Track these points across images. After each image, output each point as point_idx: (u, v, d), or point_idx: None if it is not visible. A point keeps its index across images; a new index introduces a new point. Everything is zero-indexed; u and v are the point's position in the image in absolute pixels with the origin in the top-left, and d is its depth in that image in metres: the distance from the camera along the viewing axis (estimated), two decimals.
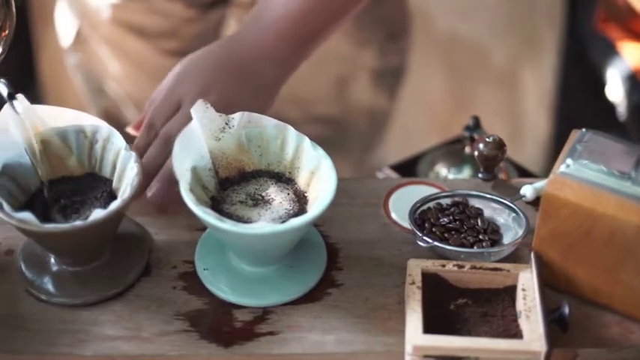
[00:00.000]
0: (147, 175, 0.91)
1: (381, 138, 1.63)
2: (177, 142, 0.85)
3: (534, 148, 1.86)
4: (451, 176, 1.11)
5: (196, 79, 0.96)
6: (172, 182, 0.90)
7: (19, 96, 0.89)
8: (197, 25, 1.42)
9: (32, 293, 0.88)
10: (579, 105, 1.89)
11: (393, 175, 1.11)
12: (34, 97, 1.91)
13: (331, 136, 1.47)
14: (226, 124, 0.89)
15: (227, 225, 0.81)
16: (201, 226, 0.94)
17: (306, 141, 0.88)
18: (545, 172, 1.47)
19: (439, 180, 1.01)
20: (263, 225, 0.81)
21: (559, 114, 1.89)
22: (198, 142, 0.87)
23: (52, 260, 0.90)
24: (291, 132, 0.89)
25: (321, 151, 0.88)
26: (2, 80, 0.85)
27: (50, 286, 0.88)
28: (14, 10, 0.91)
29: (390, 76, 1.53)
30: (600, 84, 1.79)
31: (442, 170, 1.13)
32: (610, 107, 1.78)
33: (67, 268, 0.89)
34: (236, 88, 0.92)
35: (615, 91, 1.76)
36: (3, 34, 0.90)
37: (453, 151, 1.13)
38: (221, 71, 0.96)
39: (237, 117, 0.89)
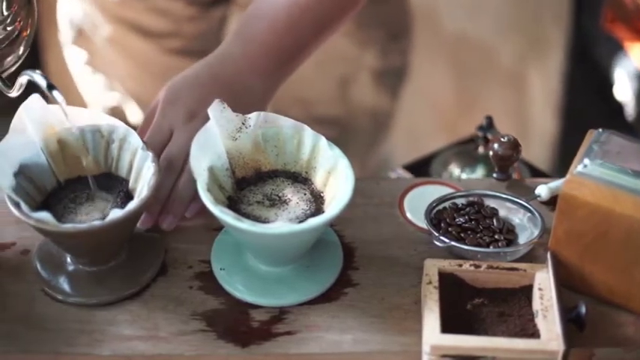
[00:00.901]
0: (157, 202, 0.91)
1: (384, 138, 1.63)
2: (194, 142, 0.85)
3: (541, 147, 1.86)
4: (464, 176, 1.11)
5: (184, 103, 0.95)
6: (183, 208, 0.92)
7: (35, 95, 0.89)
8: (199, 24, 1.41)
9: (48, 293, 0.88)
10: (586, 105, 1.89)
11: (406, 175, 1.11)
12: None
13: (334, 137, 1.46)
14: (243, 124, 0.89)
15: (245, 225, 0.81)
16: (217, 226, 0.94)
17: (323, 141, 0.88)
18: (552, 172, 1.48)
19: (453, 180, 1.01)
20: (281, 225, 0.81)
21: (566, 114, 1.89)
22: (215, 142, 0.88)
23: (68, 260, 0.90)
24: (308, 132, 0.89)
25: (337, 151, 0.88)
26: (39, 72, 0.85)
27: (66, 286, 0.88)
28: (36, 9, 0.91)
29: (392, 76, 1.52)
30: (607, 84, 1.79)
31: (455, 170, 1.13)
32: (617, 107, 1.78)
33: (84, 267, 0.89)
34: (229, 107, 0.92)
35: (623, 91, 1.76)
36: (24, 33, 0.90)
37: (465, 151, 1.13)
38: (208, 91, 0.95)
39: (253, 117, 0.89)
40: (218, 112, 0.88)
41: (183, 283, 0.89)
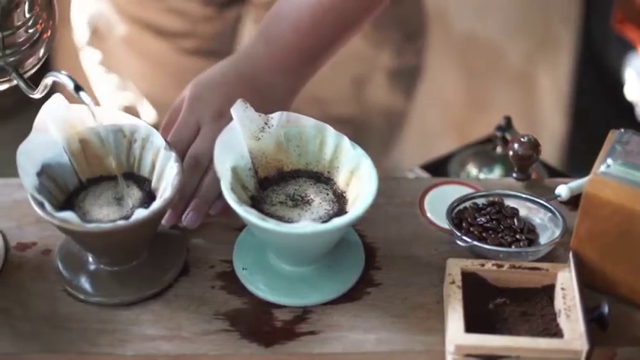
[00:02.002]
0: (182, 200, 0.92)
1: (398, 138, 1.63)
2: (217, 142, 0.86)
3: (550, 147, 1.86)
4: (482, 176, 1.11)
5: (212, 100, 0.96)
6: (207, 207, 0.92)
7: (58, 95, 0.89)
8: (214, 24, 1.42)
9: (70, 293, 0.88)
10: (595, 105, 1.89)
11: (424, 175, 1.11)
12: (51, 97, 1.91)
13: (348, 136, 1.47)
14: (265, 123, 0.89)
15: (270, 224, 0.81)
16: (238, 226, 0.94)
17: (345, 140, 0.89)
18: (563, 172, 1.47)
19: (471, 180, 1.02)
20: (306, 224, 0.81)
21: (575, 114, 1.89)
22: (238, 142, 0.88)
23: (90, 259, 0.90)
24: (330, 132, 0.89)
25: (360, 151, 0.88)
26: (64, 72, 0.85)
27: (88, 286, 0.88)
28: (56, 11, 0.91)
29: (407, 76, 1.53)
30: (617, 84, 1.79)
31: (472, 170, 1.13)
32: (627, 108, 1.78)
33: (105, 267, 0.89)
34: (251, 105, 0.92)
35: (633, 91, 1.76)
36: (45, 35, 0.89)
37: (483, 151, 1.13)
38: (234, 90, 0.95)
39: (276, 117, 0.89)
40: (241, 112, 0.88)
41: (206, 282, 0.89)
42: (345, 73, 1.45)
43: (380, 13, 1.05)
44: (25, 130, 0.93)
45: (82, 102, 0.84)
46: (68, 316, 0.86)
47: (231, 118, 0.88)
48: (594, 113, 1.90)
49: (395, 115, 1.58)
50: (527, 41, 1.85)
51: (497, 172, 1.11)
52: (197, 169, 0.92)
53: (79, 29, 1.50)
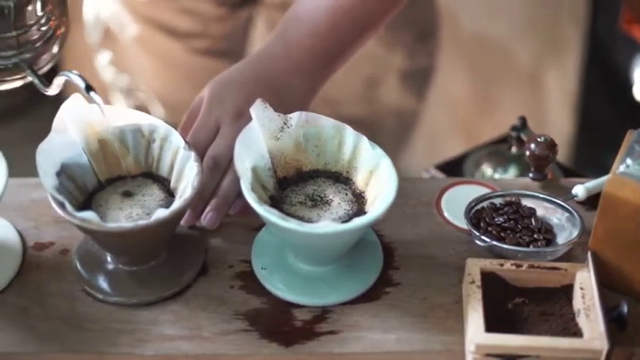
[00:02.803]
0: (201, 200, 0.92)
1: (409, 139, 1.63)
2: (237, 141, 0.86)
3: (558, 147, 1.85)
4: (497, 176, 1.11)
5: (231, 100, 0.96)
6: (227, 207, 0.92)
7: (77, 95, 0.89)
8: (226, 24, 1.42)
9: (89, 293, 0.88)
10: (603, 106, 1.90)
11: (439, 174, 1.11)
12: (61, 99, 1.91)
13: None
14: (284, 123, 0.89)
15: (291, 224, 0.81)
16: (256, 226, 0.94)
17: (364, 140, 0.89)
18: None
19: (487, 180, 1.02)
20: (327, 224, 0.82)
21: (583, 115, 1.89)
22: (258, 142, 0.88)
23: (109, 259, 0.90)
24: (349, 132, 0.89)
25: (379, 151, 0.88)
26: (76, 72, 0.85)
27: (107, 286, 0.88)
28: (68, 8, 0.91)
29: (419, 77, 1.53)
30: (625, 85, 1.79)
31: (487, 170, 1.13)
32: (635, 108, 1.78)
33: (124, 267, 0.89)
34: (272, 106, 0.92)
35: None
36: (58, 32, 0.90)
37: (498, 151, 1.13)
38: (253, 90, 0.95)
39: (295, 117, 0.89)
40: (260, 112, 0.88)
41: (225, 282, 0.89)
42: (358, 73, 1.46)
43: (397, 14, 1.06)
44: (35, 128, 0.93)
45: (92, 102, 0.84)
46: (87, 316, 0.86)
47: (250, 118, 0.88)
48: (602, 113, 1.90)
49: (406, 115, 1.58)
50: (536, 42, 1.85)
51: (511, 173, 1.11)
52: (216, 170, 0.92)
53: (91, 29, 1.50)
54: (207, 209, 0.92)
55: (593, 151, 1.83)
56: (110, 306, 0.87)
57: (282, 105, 0.90)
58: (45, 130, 0.97)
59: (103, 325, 0.86)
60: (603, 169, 1.75)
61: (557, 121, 1.87)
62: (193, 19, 1.39)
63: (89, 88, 0.84)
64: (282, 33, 1.01)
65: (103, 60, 1.51)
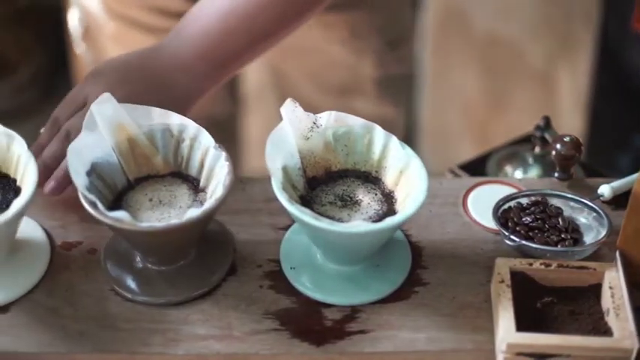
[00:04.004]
0: (46, 169, 0.92)
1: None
2: (268, 141, 0.86)
3: None
4: (519, 176, 1.11)
5: (104, 81, 0.96)
6: (67, 179, 0.90)
7: (107, 95, 0.89)
8: None
9: (119, 292, 0.88)
10: (614, 105, 1.90)
11: (462, 174, 1.12)
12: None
13: None
14: (314, 123, 0.89)
15: (324, 224, 0.81)
16: (284, 225, 0.94)
17: (394, 140, 0.89)
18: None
19: (512, 180, 1.02)
20: (359, 224, 0.82)
21: (594, 114, 1.89)
22: (288, 141, 0.88)
23: (137, 259, 0.90)
24: (378, 131, 0.89)
25: (409, 150, 0.88)
26: None
27: (137, 286, 0.88)
28: None
29: (394, 85, 1.51)
30: (637, 84, 1.80)
31: (510, 170, 1.13)
32: None
33: (152, 267, 0.89)
34: (145, 94, 0.92)
35: None
36: None
37: (520, 150, 1.13)
38: (131, 75, 0.96)
39: (324, 116, 0.90)
40: (290, 111, 0.88)
41: (254, 282, 0.89)
42: (329, 82, 1.45)
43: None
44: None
45: None
46: (118, 316, 0.86)
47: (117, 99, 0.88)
48: (613, 113, 1.90)
49: (385, 124, 1.57)
50: (548, 41, 1.86)
51: (534, 173, 1.11)
52: (66, 142, 0.91)
53: (74, 29, 1.51)
54: (49, 179, 0.92)
55: (605, 151, 1.84)
56: (140, 306, 0.87)
57: (160, 96, 0.91)
58: None
59: (134, 325, 0.86)
60: (615, 168, 1.76)
61: (569, 120, 1.87)
62: (162, 16, 1.38)
63: None
64: (178, 30, 1.02)
65: (86, 58, 1.52)
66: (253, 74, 1.70)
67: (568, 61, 1.87)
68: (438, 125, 1.96)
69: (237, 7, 1.00)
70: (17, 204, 0.83)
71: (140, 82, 0.92)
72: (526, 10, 1.85)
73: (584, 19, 1.84)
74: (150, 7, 1.37)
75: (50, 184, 0.92)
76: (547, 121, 1.07)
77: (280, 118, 1.60)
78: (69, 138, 0.92)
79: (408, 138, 1.74)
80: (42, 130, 0.99)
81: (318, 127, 0.89)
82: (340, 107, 0.92)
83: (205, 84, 1.02)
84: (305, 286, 0.88)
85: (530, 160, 1.12)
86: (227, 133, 1.61)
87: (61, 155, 0.92)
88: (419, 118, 1.98)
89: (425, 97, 1.96)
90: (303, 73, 1.46)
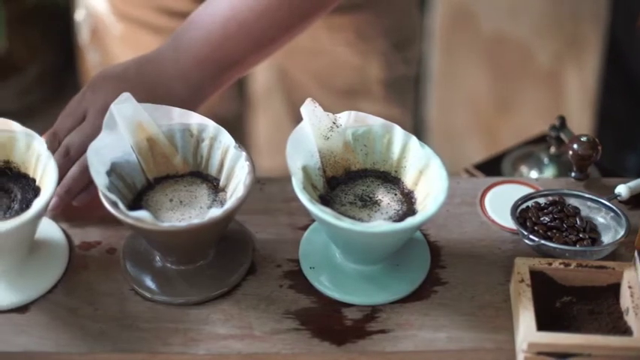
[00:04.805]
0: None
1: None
2: (289, 140, 0.86)
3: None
4: (534, 175, 1.12)
5: (102, 92, 0.95)
6: (69, 195, 0.92)
7: (127, 94, 0.89)
8: None
9: (139, 292, 0.88)
10: (622, 105, 1.90)
11: (478, 174, 1.12)
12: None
13: None
14: (334, 123, 0.89)
15: (346, 224, 0.81)
16: (302, 225, 0.94)
17: (414, 140, 0.89)
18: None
19: (529, 180, 1.02)
20: (381, 223, 0.82)
21: (602, 114, 1.90)
22: (308, 141, 0.88)
23: (157, 258, 0.90)
24: (398, 131, 0.89)
25: (429, 150, 0.88)
26: None
27: (156, 285, 0.88)
28: None
29: (401, 86, 1.51)
30: None
31: (525, 170, 1.13)
32: None
33: (171, 266, 0.89)
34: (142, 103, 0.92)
35: None
36: None
37: (535, 150, 1.13)
38: (129, 85, 0.94)
39: (343, 116, 0.90)
40: (310, 111, 0.88)
41: (274, 281, 0.90)
42: (335, 83, 1.45)
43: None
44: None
45: None
46: (138, 316, 0.86)
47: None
48: (621, 112, 1.90)
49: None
50: (556, 41, 1.86)
51: (550, 172, 1.11)
52: (67, 159, 0.92)
53: (80, 30, 1.50)
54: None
55: (613, 150, 1.84)
56: (160, 305, 0.87)
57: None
58: None
59: (155, 324, 0.86)
60: (622, 168, 1.76)
61: (577, 119, 1.87)
62: (170, 16, 1.38)
63: None
64: (177, 37, 1.01)
65: (93, 59, 1.51)
66: (260, 75, 1.70)
67: (576, 61, 1.87)
68: (445, 125, 1.96)
69: (238, 13, 0.99)
70: (37, 204, 0.83)
71: (139, 92, 0.90)
72: (534, 10, 1.85)
73: (592, 19, 1.84)
74: (157, 8, 1.37)
75: (53, 200, 0.91)
76: (562, 121, 1.07)
77: (287, 119, 1.60)
78: (69, 154, 0.92)
79: None
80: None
81: (337, 126, 0.89)
82: (346, 109, 0.92)
83: (204, 93, 1.01)
84: (324, 285, 0.88)
85: (546, 160, 1.12)
86: (234, 132, 1.59)
87: (62, 171, 0.92)
88: (426, 117, 1.98)
89: (432, 97, 1.96)
90: (309, 74, 1.47)
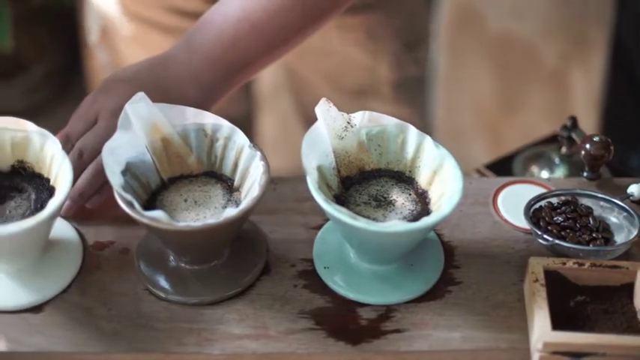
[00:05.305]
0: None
1: None
2: (304, 140, 0.86)
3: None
4: (545, 176, 1.12)
5: (115, 94, 0.95)
6: (83, 198, 0.92)
7: (141, 94, 0.89)
8: None
9: (153, 292, 0.88)
10: (628, 105, 1.90)
11: (489, 174, 1.12)
12: (82, 96, 1.91)
13: None
14: (348, 122, 0.89)
15: (361, 223, 0.81)
16: (316, 225, 0.94)
17: (428, 140, 0.89)
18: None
19: (542, 180, 1.02)
20: (396, 223, 0.82)
21: (607, 114, 1.90)
22: (323, 141, 0.88)
23: (170, 258, 0.90)
24: (412, 131, 0.90)
25: (443, 150, 0.88)
26: None
27: (170, 285, 0.88)
28: None
29: (410, 87, 1.51)
30: None
31: (536, 170, 1.13)
32: None
33: (186, 266, 0.89)
34: None
35: None
36: None
37: (546, 150, 1.14)
38: (141, 87, 0.93)
39: (358, 116, 0.90)
40: (325, 111, 0.88)
41: (288, 281, 0.90)
42: (345, 83, 1.45)
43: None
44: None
45: None
46: (152, 316, 0.86)
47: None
48: (626, 113, 1.91)
49: None
50: (561, 41, 1.86)
51: (561, 172, 1.11)
52: (80, 162, 0.92)
53: (90, 30, 1.50)
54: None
55: (618, 150, 1.84)
56: (174, 305, 0.87)
57: None
58: None
59: (169, 324, 0.86)
60: (628, 168, 1.76)
61: (582, 120, 1.87)
62: (181, 16, 1.38)
63: None
64: (189, 38, 1.01)
65: (102, 60, 1.51)
66: (268, 74, 1.70)
67: (582, 61, 1.88)
68: (451, 125, 1.96)
69: (250, 13, 0.99)
70: (53, 204, 0.83)
71: (151, 94, 0.90)
72: (540, 10, 1.85)
73: (597, 20, 1.84)
74: (168, 8, 1.37)
75: (66, 204, 0.91)
76: (574, 121, 1.07)
77: (294, 118, 1.60)
78: (82, 157, 0.92)
79: None
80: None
81: (352, 126, 0.89)
82: (356, 109, 0.92)
83: (216, 94, 1.01)
84: (339, 285, 0.88)
85: (557, 160, 1.12)
86: None
87: (75, 174, 0.91)
88: (432, 118, 1.98)
89: (438, 97, 1.97)
90: (319, 74, 1.47)
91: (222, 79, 1.01)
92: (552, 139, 1.15)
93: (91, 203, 0.93)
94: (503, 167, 1.12)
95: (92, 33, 1.50)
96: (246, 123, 1.66)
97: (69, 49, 2.00)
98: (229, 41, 0.99)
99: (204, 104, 0.98)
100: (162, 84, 0.98)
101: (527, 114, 1.90)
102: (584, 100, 1.89)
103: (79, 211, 0.93)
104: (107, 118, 0.93)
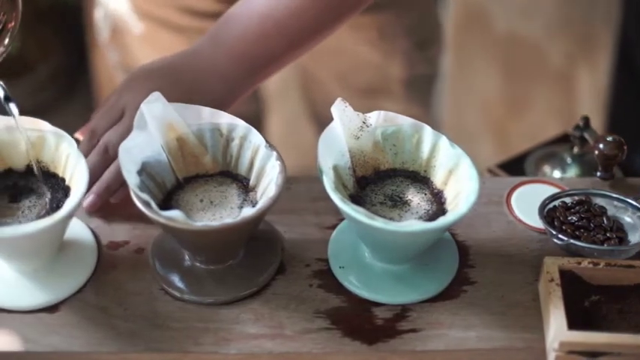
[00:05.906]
0: (91, 182, 0.91)
1: None
2: (320, 140, 0.86)
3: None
4: (557, 175, 1.12)
5: (141, 89, 0.95)
6: (108, 192, 0.93)
7: (157, 94, 0.89)
8: None
9: (169, 292, 0.88)
10: (634, 106, 1.90)
11: (502, 174, 1.12)
12: (88, 96, 1.91)
13: None
14: (364, 122, 0.89)
15: (378, 223, 0.81)
16: (330, 224, 0.95)
17: (443, 139, 0.89)
18: None
19: (555, 179, 1.02)
20: (413, 223, 0.82)
21: (614, 114, 1.90)
22: (339, 141, 0.88)
23: (186, 258, 0.90)
24: (427, 130, 0.90)
25: (459, 150, 0.88)
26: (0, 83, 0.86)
27: (186, 285, 0.88)
28: (20, 2, 0.92)
29: (421, 86, 1.52)
30: None
31: (548, 169, 1.13)
32: None
33: (201, 266, 0.89)
34: (180, 100, 0.91)
35: None
36: (9, 25, 0.91)
37: (559, 150, 1.14)
38: (166, 82, 0.95)
39: (373, 115, 0.90)
40: (341, 111, 0.88)
41: (303, 281, 0.90)
42: (356, 81, 1.46)
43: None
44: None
45: (10, 113, 0.87)
46: (168, 315, 0.87)
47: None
48: (633, 113, 1.91)
49: None
50: (568, 41, 1.86)
51: (573, 172, 1.11)
52: (105, 156, 0.93)
53: (100, 29, 1.50)
54: (89, 192, 0.92)
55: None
56: (190, 305, 0.87)
57: (195, 103, 0.91)
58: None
59: (185, 324, 0.86)
60: (634, 168, 1.76)
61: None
62: (192, 16, 1.38)
63: (8, 98, 0.87)
64: (213, 34, 1.01)
65: (112, 59, 1.51)
66: (278, 73, 1.70)
67: (588, 61, 1.88)
68: (457, 124, 1.97)
69: (274, 12, 1.00)
70: (69, 204, 0.83)
71: (176, 89, 0.91)
72: (546, 11, 1.85)
73: (604, 20, 1.85)
74: (180, 7, 1.37)
75: (89, 198, 0.93)
76: (586, 120, 1.07)
77: (303, 117, 1.59)
78: (108, 151, 0.93)
79: None
80: (77, 136, 0.99)
81: (367, 126, 0.89)
82: (367, 108, 0.93)
83: (240, 90, 1.02)
84: (354, 284, 0.89)
85: (569, 159, 1.12)
86: None
87: (101, 169, 0.93)
88: (439, 117, 1.98)
89: (445, 97, 1.97)
90: (330, 73, 1.47)
91: (246, 75, 1.01)
92: (563, 139, 1.15)
93: (116, 197, 0.94)
94: (515, 167, 1.13)
95: (102, 32, 1.50)
96: (255, 122, 1.66)
97: (75, 48, 2.00)
98: (254, 37, 1.00)
99: (227, 100, 1.00)
100: (187, 79, 0.98)
101: (534, 113, 1.90)
102: (590, 99, 1.90)
103: (104, 206, 0.94)
104: (132, 114, 0.93)
